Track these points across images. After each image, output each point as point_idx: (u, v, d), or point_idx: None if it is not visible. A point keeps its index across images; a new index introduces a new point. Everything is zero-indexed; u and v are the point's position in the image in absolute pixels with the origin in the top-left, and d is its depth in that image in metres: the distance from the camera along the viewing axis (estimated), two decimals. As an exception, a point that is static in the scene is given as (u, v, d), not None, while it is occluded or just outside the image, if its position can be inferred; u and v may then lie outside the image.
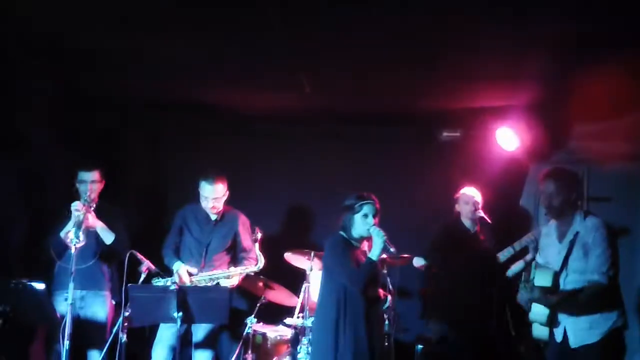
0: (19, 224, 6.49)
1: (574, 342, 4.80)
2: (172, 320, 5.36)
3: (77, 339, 5.58)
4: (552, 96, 6.09)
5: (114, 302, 6.18)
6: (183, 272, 6.00)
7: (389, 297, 5.68)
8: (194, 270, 6.04)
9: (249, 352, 6.20)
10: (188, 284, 5.92)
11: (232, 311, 5.87)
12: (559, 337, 4.87)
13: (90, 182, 6.10)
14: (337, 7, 4.67)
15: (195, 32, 5.20)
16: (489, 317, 5.66)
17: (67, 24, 5.16)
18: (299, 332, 6.07)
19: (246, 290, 6.55)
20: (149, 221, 7.14)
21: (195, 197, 6.24)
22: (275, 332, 6.31)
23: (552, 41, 5.01)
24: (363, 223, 5.12)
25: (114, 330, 5.75)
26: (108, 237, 6.07)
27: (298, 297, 6.34)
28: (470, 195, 6.53)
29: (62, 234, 5.81)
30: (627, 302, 4.98)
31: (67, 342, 5.38)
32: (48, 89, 6.36)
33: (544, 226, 5.32)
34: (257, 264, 6.02)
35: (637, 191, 5.46)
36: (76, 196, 6.01)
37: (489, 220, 6.37)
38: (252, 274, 6.11)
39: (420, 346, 6.66)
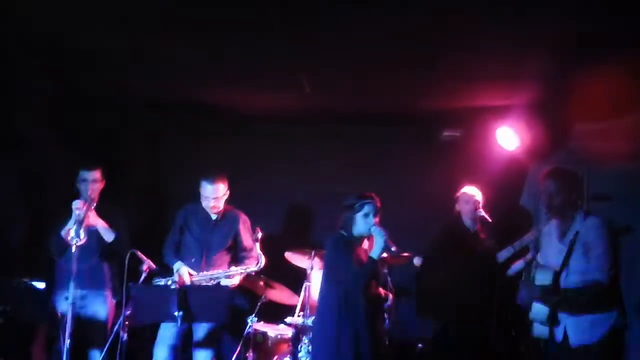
0: (19, 223, 6.51)
1: (574, 341, 4.81)
2: (173, 319, 5.36)
3: (77, 339, 5.57)
4: (552, 96, 6.08)
5: (114, 301, 6.19)
6: (184, 272, 5.99)
7: (390, 296, 5.67)
8: (194, 273, 6.03)
9: (250, 351, 6.19)
10: (188, 283, 5.92)
11: (233, 310, 5.89)
12: (559, 337, 4.88)
13: (92, 180, 6.11)
14: (337, 7, 4.67)
15: (195, 32, 5.19)
16: (489, 317, 5.66)
17: (67, 24, 5.16)
18: (300, 331, 6.06)
19: (247, 289, 6.55)
20: (149, 221, 7.13)
21: (196, 197, 6.24)
22: (276, 331, 6.30)
23: (552, 41, 5.00)
24: (364, 222, 5.15)
25: (115, 330, 5.76)
26: (109, 236, 6.08)
27: (299, 296, 6.34)
28: (471, 194, 6.53)
29: (62, 232, 5.81)
30: (629, 302, 4.98)
31: (67, 342, 5.37)
32: (48, 89, 6.36)
33: (544, 225, 5.32)
34: (257, 263, 6.01)
35: (638, 191, 5.45)
36: (77, 195, 6.01)
37: (490, 220, 6.36)
38: (253, 273, 6.11)
39: (420, 345, 6.66)
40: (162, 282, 5.97)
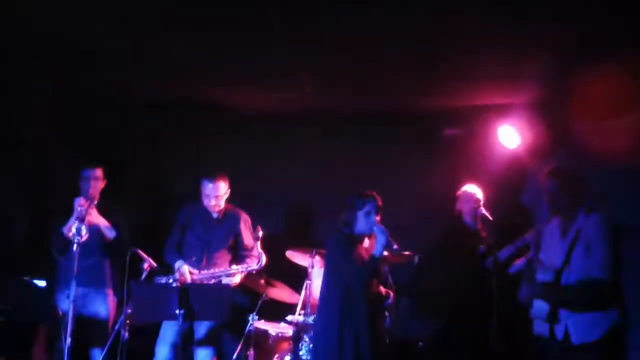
0: (20, 222, 6.53)
1: (575, 339, 4.81)
2: (174, 317, 5.35)
3: (78, 337, 5.58)
4: (553, 94, 6.08)
5: (115, 300, 6.21)
6: (185, 270, 5.99)
7: (391, 295, 5.68)
8: (194, 272, 6.03)
9: (251, 349, 6.20)
10: (190, 281, 5.93)
11: (234, 308, 5.90)
12: (560, 335, 4.88)
13: (93, 178, 6.11)
14: (337, 7, 4.67)
15: (195, 32, 5.20)
16: (489, 317, 5.65)
17: (67, 24, 5.17)
18: (301, 329, 6.06)
19: (248, 287, 6.56)
20: (149, 220, 7.13)
21: (196, 196, 6.25)
22: (276, 330, 6.31)
23: (552, 41, 5.01)
24: (366, 221, 5.16)
25: (116, 328, 5.78)
26: (110, 235, 6.09)
27: (299, 294, 6.34)
28: (472, 192, 6.52)
29: (64, 229, 5.83)
30: (630, 301, 4.97)
31: (68, 340, 5.38)
32: (48, 89, 6.37)
33: (546, 223, 5.32)
34: (258, 262, 6.00)
35: (638, 190, 5.44)
36: (78, 194, 6.02)
37: (490, 218, 6.36)
38: (254, 271, 6.12)
39: (420, 344, 6.67)
40: (163, 280, 5.96)
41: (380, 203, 5.20)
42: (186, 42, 5.42)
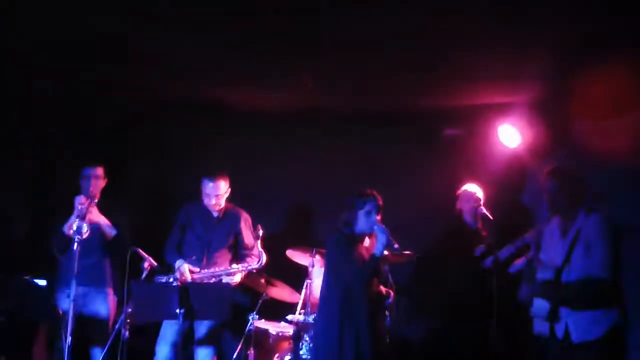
0: (20, 222, 6.53)
1: (576, 337, 4.81)
2: (174, 317, 5.35)
3: (79, 336, 5.61)
4: (553, 94, 6.08)
5: (116, 299, 6.21)
6: (185, 269, 6.00)
7: (391, 294, 5.69)
8: (195, 270, 6.04)
9: (251, 348, 6.20)
10: (190, 280, 5.93)
11: (234, 308, 5.91)
12: (560, 333, 4.88)
13: (93, 177, 6.13)
14: (337, 7, 4.68)
15: (196, 32, 5.21)
16: (489, 317, 5.65)
17: (67, 24, 5.17)
18: (301, 328, 6.06)
19: (248, 286, 6.56)
20: (149, 219, 7.13)
21: (197, 195, 6.26)
22: (277, 329, 6.32)
23: (553, 41, 5.01)
24: (366, 220, 5.16)
25: (116, 327, 5.78)
26: (110, 233, 6.10)
27: (300, 293, 6.34)
28: (472, 192, 6.53)
29: (64, 227, 5.84)
30: (630, 301, 4.98)
31: (69, 339, 5.40)
32: (48, 89, 6.37)
33: (546, 223, 5.32)
34: (259, 261, 6.01)
35: (638, 190, 5.45)
36: (79, 193, 6.03)
37: (491, 217, 6.36)
38: (254, 270, 6.12)
39: (420, 343, 6.68)
40: (163, 279, 5.98)
41: (380, 202, 5.20)
42: (186, 42, 5.43)
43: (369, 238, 5.30)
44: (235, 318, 5.99)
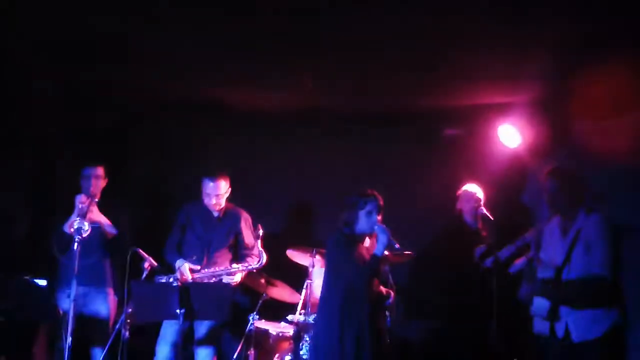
0: (20, 222, 6.53)
1: (576, 337, 4.82)
2: (175, 317, 5.35)
3: (79, 336, 5.61)
4: (554, 94, 6.08)
5: (116, 299, 6.21)
6: (185, 269, 6.00)
7: (391, 294, 5.69)
8: (195, 268, 6.04)
9: (251, 349, 6.21)
10: (190, 280, 5.93)
11: (234, 308, 5.91)
12: (560, 333, 4.89)
13: (94, 177, 6.13)
14: (337, 7, 4.68)
15: (195, 32, 5.21)
16: (489, 316, 5.65)
17: (67, 24, 5.17)
18: (301, 329, 6.06)
19: (248, 286, 6.56)
20: (150, 219, 7.13)
21: (197, 195, 6.26)
22: (277, 329, 6.32)
23: (553, 41, 5.01)
24: (367, 220, 5.15)
25: (117, 327, 5.78)
26: (111, 233, 6.10)
27: (300, 294, 6.34)
28: (472, 192, 6.53)
29: (65, 226, 5.84)
30: (631, 301, 4.98)
31: (69, 339, 5.40)
32: (48, 89, 6.38)
33: (546, 223, 5.32)
34: (259, 260, 6.01)
35: (638, 190, 5.45)
36: (79, 193, 6.03)
37: (491, 218, 6.36)
38: (254, 270, 6.12)
39: (420, 343, 6.68)
40: (163, 279, 5.98)
41: (381, 202, 5.20)
42: (187, 42, 5.43)
43: (369, 238, 5.30)
44: (235, 318, 5.99)
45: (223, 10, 4.80)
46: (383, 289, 5.43)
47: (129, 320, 5.65)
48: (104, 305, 6.15)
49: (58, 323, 5.72)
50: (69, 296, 5.54)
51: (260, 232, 5.97)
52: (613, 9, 4.50)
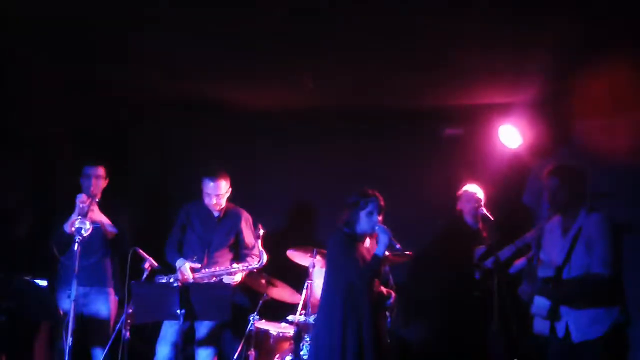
0: (21, 222, 6.53)
1: (576, 337, 4.79)
2: (175, 317, 5.34)
3: (80, 336, 5.60)
4: (554, 93, 6.08)
5: (117, 299, 6.21)
6: (186, 269, 5.99)
7: (392, 294, 5.68)
8: (196, 267, 6.04)
9: (252, 349, 6.20)
10: (191, 280, 5.93)
11: (235, 308, 5.90)
12: (560, 332, 4.86)
13: (94, 176, 6.12)
14: (337, 7, 4.68)
15: (195, 32, 5.21)
16: (490, 316, 5.65)
17: (67, 24, 5.17)
18: (302, 329, 6.06)
19: (249, 287, 6.56)
20: (151, 219, 7.13)
21: (198, 195, 6.25)
22: (277, 329, 6.31)
23: (553, 40, 5.01)
24: (368, 220, 5.15)
25: (117, 328, 5.78)
26: (111, 232, 6.10)
27: (300, 294, 6.34)
28: (473, 192, 6.52)
29: (65, 226, 5.83)
30: (632, 300, 4.97)
31: (70, 339, 5.39)
32: (49, 88, 6.37)
33: (546, 222, 5.32)
34: (259, 260, 6.00)
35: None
36: (80, 191, 6.03)
37: (491, 218, 6.35)
38: (255, 270, 6.12)
39: (420, 343, 6.68)
40: (164, 279, 5.97)
41: (382, 203, 5.19)
42: (187, 42, 5.43)
43: (369, 238, 5.29)
44: (235, 319, 5.97)
45: (223, 10, 4.80)
46: (384, 289, 5.42)
47: (129, 321, 5.64)
48: (105, 305, 6.14)
49: (58, 323, 5.71)
50: (69, 296, 5.52)
51: (261, 231, 5.96)
52: (613, 9, 4.50)
